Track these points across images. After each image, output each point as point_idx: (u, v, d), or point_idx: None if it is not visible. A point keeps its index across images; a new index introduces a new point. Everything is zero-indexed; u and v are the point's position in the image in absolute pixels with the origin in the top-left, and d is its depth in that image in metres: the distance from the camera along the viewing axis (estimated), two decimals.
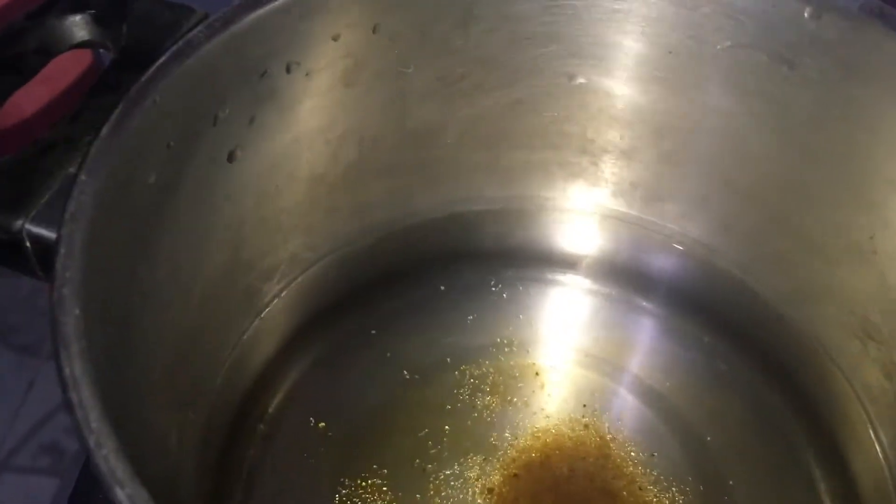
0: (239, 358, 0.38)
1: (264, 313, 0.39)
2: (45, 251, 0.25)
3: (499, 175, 0.42)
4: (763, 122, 0.35)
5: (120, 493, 0.19)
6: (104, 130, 0.25)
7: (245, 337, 0.38)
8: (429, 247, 0.43)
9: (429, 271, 0.44)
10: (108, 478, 0.19)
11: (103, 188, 0.24)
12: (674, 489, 0.37)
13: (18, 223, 0.25)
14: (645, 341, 0.42)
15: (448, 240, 0.44)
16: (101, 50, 0.30)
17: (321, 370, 0.41)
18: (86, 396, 0.19)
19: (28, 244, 0.25)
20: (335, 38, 0.33)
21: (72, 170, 0.26)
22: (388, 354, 0.41)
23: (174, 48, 0.27)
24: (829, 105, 0.32)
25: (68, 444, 0.99)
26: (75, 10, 0.31)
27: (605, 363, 0.41)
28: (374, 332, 0.42)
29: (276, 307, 0.39)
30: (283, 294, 0.40)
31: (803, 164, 0.35)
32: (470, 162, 0.41)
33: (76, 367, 0.20)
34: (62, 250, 0.22)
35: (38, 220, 0.25)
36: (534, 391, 0.40)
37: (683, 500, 0.37)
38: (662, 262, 0.43)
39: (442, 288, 0.43)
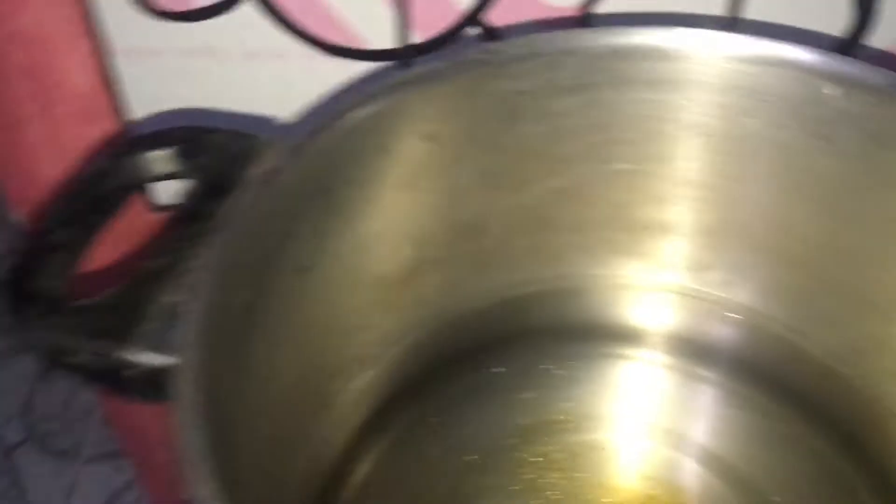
0: (313, 457, 0.39)
1: (333, 412, 0.40)
2: (145, 376, 0.27)
3: (544, 257, 0.44)
4: (800, 191, 0.37)
5: None
6: (200, 263, 0.27)
7: (317, 436, 0.39)
8: (482, 332, 0.45)
9: (483, 356, 0.45)
10: None
11: (205, 317, 0.26)
12: None
13: (117, 353, 0.27)
14: (703, 408, 0.43)
15: (500, 323, 0.45)
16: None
17: (387, 463, 0.42)
18: None
19: (126, 372, 0.27)
20: (386, 151, 0.35)
21: (166, 298, 0.28)
22: (450, 441, 0.42)
23: (253, 180, 0.29)
24: (866, 173, 0.34)
25: None
26: (154, 147, 0.33)
27: (666, 433, 0.42)
28: (434, 419, 0.43)
29: (344, 404, 0.41)
30: (348, 391, 0.41)
31: (845, 229, 0.36)
32: (516, 248, 0.43)
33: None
34: (179, 379, 0.23)
35: (136, 350, 0.27)
36: (597, 466, 0.41)
37: None
38: (712, 329, 0.44)
39: (497, 370, 0.45)
